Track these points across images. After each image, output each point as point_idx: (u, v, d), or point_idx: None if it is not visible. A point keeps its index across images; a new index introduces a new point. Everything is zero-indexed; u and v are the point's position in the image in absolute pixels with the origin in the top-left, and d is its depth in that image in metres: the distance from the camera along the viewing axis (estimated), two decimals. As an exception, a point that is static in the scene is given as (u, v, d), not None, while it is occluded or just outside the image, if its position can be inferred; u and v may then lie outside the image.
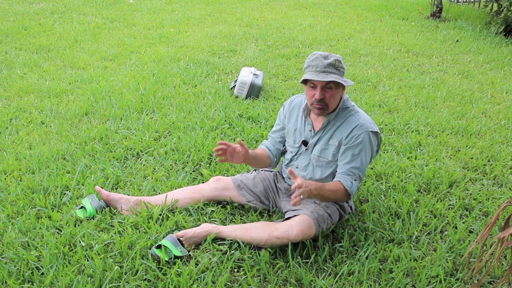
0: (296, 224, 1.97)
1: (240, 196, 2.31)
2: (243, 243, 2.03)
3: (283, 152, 2.31)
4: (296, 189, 1.81)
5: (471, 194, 2.56)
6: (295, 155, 2.20)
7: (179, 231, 2.08)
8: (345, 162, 2.04)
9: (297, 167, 2.19)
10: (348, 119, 2.05)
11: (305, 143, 2.14)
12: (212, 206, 2.32)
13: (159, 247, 1.98)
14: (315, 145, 2.12)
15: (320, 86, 1.94)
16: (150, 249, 2.00)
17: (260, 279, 1.91)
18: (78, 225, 2.17)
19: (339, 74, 1.95)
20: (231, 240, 2.06)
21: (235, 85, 3.84)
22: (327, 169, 2.12)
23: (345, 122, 2.05)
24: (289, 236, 1.95)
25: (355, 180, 2.03)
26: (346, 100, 2.09)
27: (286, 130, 2.25)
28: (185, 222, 2.19)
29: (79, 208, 2.26)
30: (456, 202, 2.47)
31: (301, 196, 1.81)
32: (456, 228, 2.29)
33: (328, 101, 1.98)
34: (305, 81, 2.00)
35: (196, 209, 2.27)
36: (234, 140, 3.04)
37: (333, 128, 2.07)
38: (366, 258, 2.02)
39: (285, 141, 2.29)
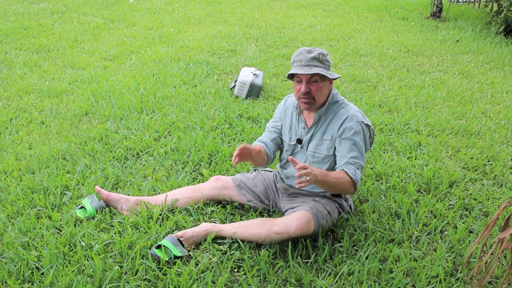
0: (295, 219, 1.98)
1: (240, 195, 2.31)
2: (242, 240, 2.03)
3: (280, 148, 2.28)
4: (302, 170, 1.73)
5: (471, 194, 2.56)
6: (291, 154, 2.21)
7: (179, 231, 2.08)
8: (344, 153, 2.02)
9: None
10: (339, 112, 2.07)
11: (299, 141, 2.15)
12: (212, 206, 2.32)
13: (159, 247, 1.98)
14: (309, 141, 2.13)
15: (305, 79, 1.97)
16: (150, 249, 2.00)
17: (260, 279, 1.91)
18: (78, 225, 2.17)
19: (324, 68, 1.97)
20: (231, 240, 2.06)
21: (235, 85, 3.84)
22: (323, 165, 2.12)
23: (336, 116, 2.06)
24: (288, 231, 1.95)
25: (358, 168, 2.00)
26: (336, 94, 2.10)
27: (282, 129, 2.25)
28: (185, 222, 2.19)
29: (79, 208, 2.26)
30: (456, 202, 2.47)
31: (307, 178, 1.74)
32: (456, 228, 2.29)
33: (314, 94, 1.99)
34: (292, 77, 2.03)
35: (196, 209, 2.27)
36: (234, 140, 3.04)
37: (325, 123, 2.08)
38: (366, 258, 2.02)
39: (281, 134, 2.25)
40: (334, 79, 2.02)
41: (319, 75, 1.95)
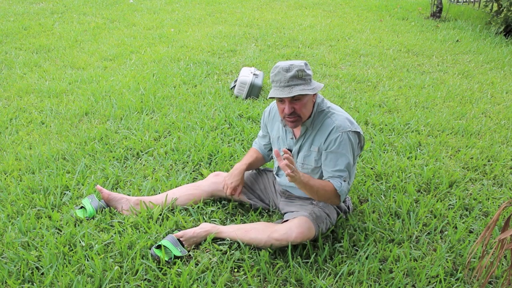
0: (295, 227, 1.97)
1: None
2: (242, 243, 2.03)
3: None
4: (287, 162, 1.80)
5: (471, 194, 2.57)
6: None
7: (179, 231, 2.08)
8: (330, 166, 1.99)
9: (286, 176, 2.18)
10: (325, 122, 1.99)
11: (289, 151, 2.13)
12: (212, 205, 2.32)
13: (159, 247, 1.98)
14: (298, 152, 2.10)
15: (287, 100, 1.90)
16: (150, 249, 2.00)
17: (260, 279, 1.91)
18: (78, 225, 2.17)
19: (305, 83, 1.88)
20: (231, 240, 2.06)
21: (235, 85, 3.84)
22: (313, 176, 2.09)
23: (322, 126, 2.00)
24: (288, 238, 1.95)
25: (344, 181, 1.99)
26: (321, 103, 2.03)
27: (270, 139, 2.24)
28: (185, 222, 2.19)
29: (79, 208, 2.26)
30: (456, 202, 2.47)
31: (289, 171, 1.79)
32: (456, 228, 2.29)
33: (299, 112, 1.93)
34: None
35: (196, 209, 2.27)
36: (234, 140, 3.04)
37: (313, 134, 2.03)
38: (366, 258, 2.02)
39: (270, 146, 2.31)
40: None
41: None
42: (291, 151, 2.11)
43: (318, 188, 1.94)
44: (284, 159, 1.79)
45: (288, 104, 1.90)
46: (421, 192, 2.58)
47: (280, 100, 1.93)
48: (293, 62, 1.89)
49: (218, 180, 2.33)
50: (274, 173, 2.28)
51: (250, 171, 2.42)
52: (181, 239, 2.02)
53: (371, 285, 1.90)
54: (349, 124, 1.99)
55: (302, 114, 1.95)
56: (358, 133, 2.01)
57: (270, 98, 1.95)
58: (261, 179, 2.37)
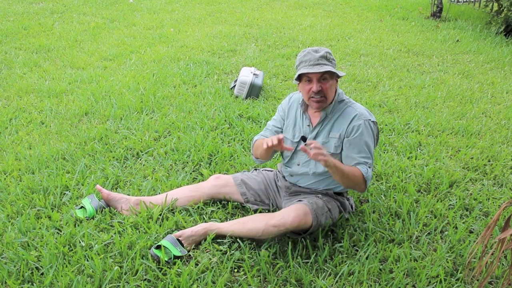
0: (291, 210, 2.00)
1: (239, 193, 2.30)
2: (241, 237, 2.03)
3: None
4: (315, 148, 1.81)
5: (471, 194, 2.56)
6: (294, 152, 2.20)
7: (178, 231, 2.08)
8: (355, 152, 2.04)
9: (298, 164, 2.19)
10: (345, 110, 2.08)
11: (304, 138, 2.15)
12: (212, 206, 2.32)
13: (158, 247, 1.98)
14: (314, 139, 2.12)
15: (316, 78, 1.98)
16: (150, 249, 2.00)
17: (260, 279, 1.91)
18: (78, 225, 2.16)
19: (332, 66, 1.99)
20: (231, 239, 2.05)
21: (235, 85, 3.84)
22: None
23: (342, 114, 2.07)
24: (285, 222, 1.96)
25: (369, 167, 2.04)
26: (341, 93, 2.13)
27: (285, 126, 2.25)
28: (185, 222, 2.19)
29: (79, 208, 2.26)
30: (456, 202, 2.47)
31: (323, 152, 1.81)
32: (456, 228, 2.29)
33: (326, 92, 2.01)
34: (299, 79, 2.03)
35: (196, 209, 2.27)
36: (234, 140, 3.04)
37: (332, 121, 2.09)
38: (366, 258, 2.02)
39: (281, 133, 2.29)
40: (341, 76, 2.04)
41: (329, 72, 1.97)
42: (306, 138, 2.15)
43: (349, 172, 1.98)
44: (311, 149, 1.81)
45: (316, 83, 1.98)
46: (421, 192, 2.58)
47: (308, 80, 2.00)
48: (320, 47, 2.01)
49: (218, 183, 2.32)
50: (284, 163, 2.27)
51: (250, 172, 2.42)
52: (180, 238, 2.02)
53: (371, 285, 1.89)
54: (368, 114, 2.08)
55: (328, 95, 2.02)
56: (376, 124, 2.11)
57: (296, 78, 2.01)
58: (262, 180, 2.36)
